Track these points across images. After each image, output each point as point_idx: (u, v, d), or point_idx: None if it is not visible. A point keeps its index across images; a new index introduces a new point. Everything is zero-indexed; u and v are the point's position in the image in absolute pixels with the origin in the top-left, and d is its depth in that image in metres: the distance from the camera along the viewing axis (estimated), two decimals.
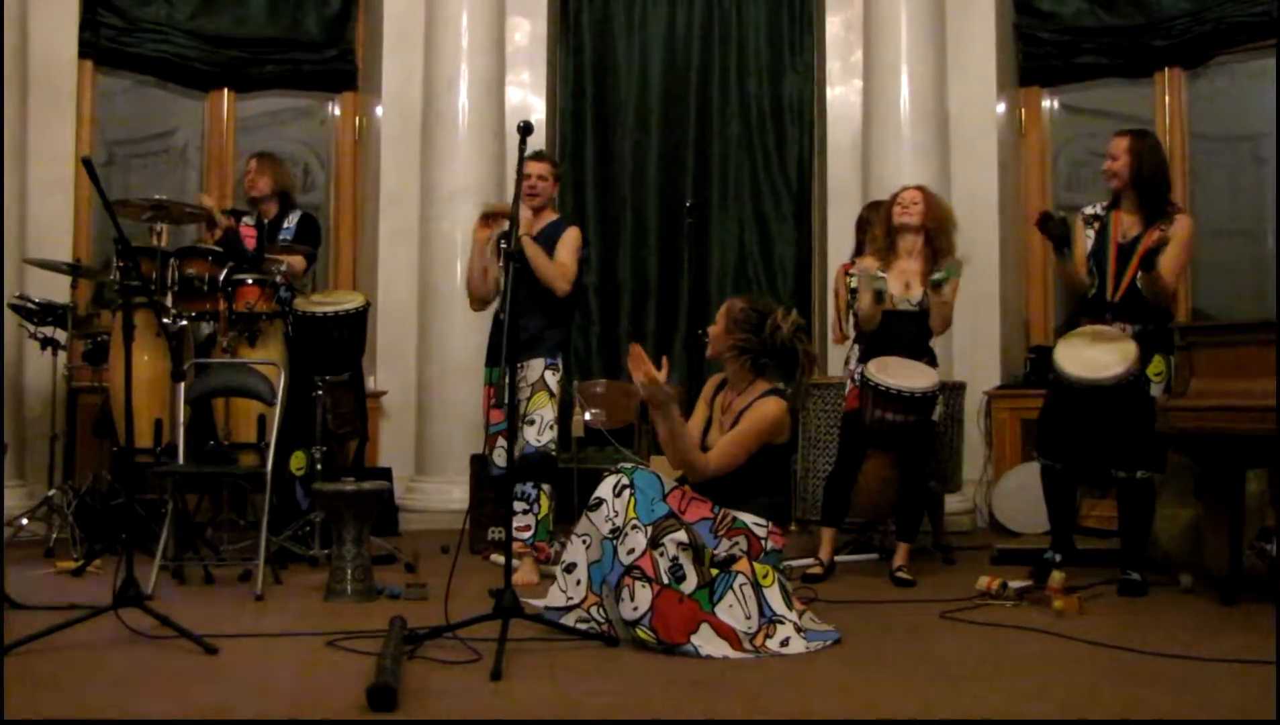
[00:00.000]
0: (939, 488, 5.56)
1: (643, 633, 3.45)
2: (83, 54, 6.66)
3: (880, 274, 4.94)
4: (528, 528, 4.77)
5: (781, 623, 3.55)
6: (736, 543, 3.69)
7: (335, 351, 5.29)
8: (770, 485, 3.83)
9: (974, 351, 6.79)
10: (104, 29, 6.72)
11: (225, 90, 7.22)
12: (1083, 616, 4.02)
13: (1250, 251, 6.67)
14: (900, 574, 4.80)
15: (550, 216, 5.07)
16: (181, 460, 4.78)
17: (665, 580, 3.47)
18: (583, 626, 3.64)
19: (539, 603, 3.86)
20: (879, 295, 4.91)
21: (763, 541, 3.72)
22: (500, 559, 4.22)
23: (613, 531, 3.60)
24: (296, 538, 5.13)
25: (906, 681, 3.18)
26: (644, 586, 3.47)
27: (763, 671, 3.27)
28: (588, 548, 3.70)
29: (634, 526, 3.55)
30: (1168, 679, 3.20)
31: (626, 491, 3.63)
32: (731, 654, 3.42)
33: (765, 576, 3.62)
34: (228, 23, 7.10)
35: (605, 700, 2.96)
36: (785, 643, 3.50)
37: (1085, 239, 4.82)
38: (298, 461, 5.29)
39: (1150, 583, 4.56)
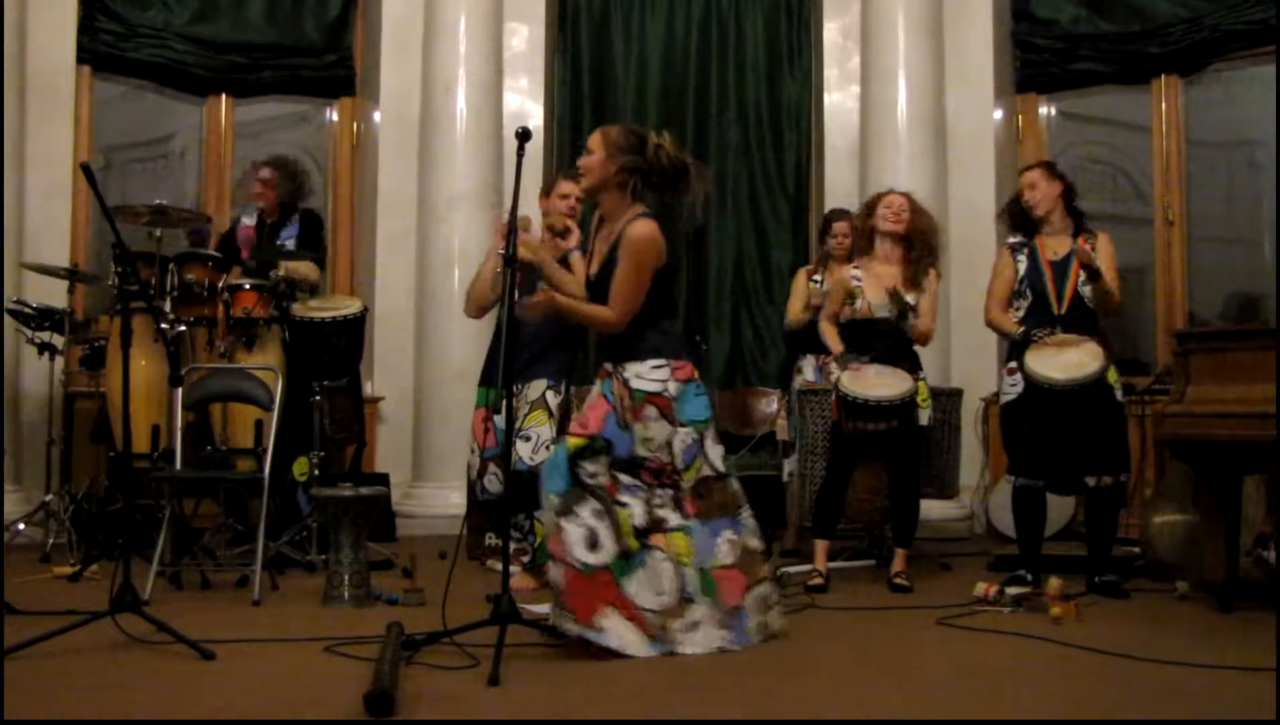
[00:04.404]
0: (935, 493, 5.57)
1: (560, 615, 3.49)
2: (81, 59, 6.67)
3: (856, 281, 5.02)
4: (524, 552, 4.75)
5: (694, 603, 3.55)
6: (646, 418, 3.64)
7: (333, 357, 5.28)
8: (659, 317, 3.76)
9: (971, 358, 6.79)
10: (102, 34, 6.73)
11: (223, 95, 7.22)
12: (1080, 623, 4.02)
13: (1246, 258, 6.69)
14: (898, 580, 4.80)
15: (576, 240, 4.91)
16: (179, 465, 4.78)
17: (570, 559, 3.48)
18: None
19: (537, 608, 3.86)
20: (850, 297, 5.01)
21: (664, 391, 3.67)
22: (498, 565, 4.21)
23: None
24: (294, 543, 5.13)
25: (905, 688, 3.18)
26: (557, 568, 3.51)
27: (763, 678, 3.27)
28: None
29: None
30: (1164, 685, 3.20)
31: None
32: (631, 650, 3.42)
33: (682, 555, 3.60)
34: (226, 28, 7.10)
35: (604, 706, 2.95)
36: (695, 625, 3.51)
37: (1018, 266, 4.93)
38: (300, 467, 5.28)
39: (1147, 589, 4.59)
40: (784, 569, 5.04)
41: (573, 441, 3.62)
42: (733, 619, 3.62)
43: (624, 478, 3.63)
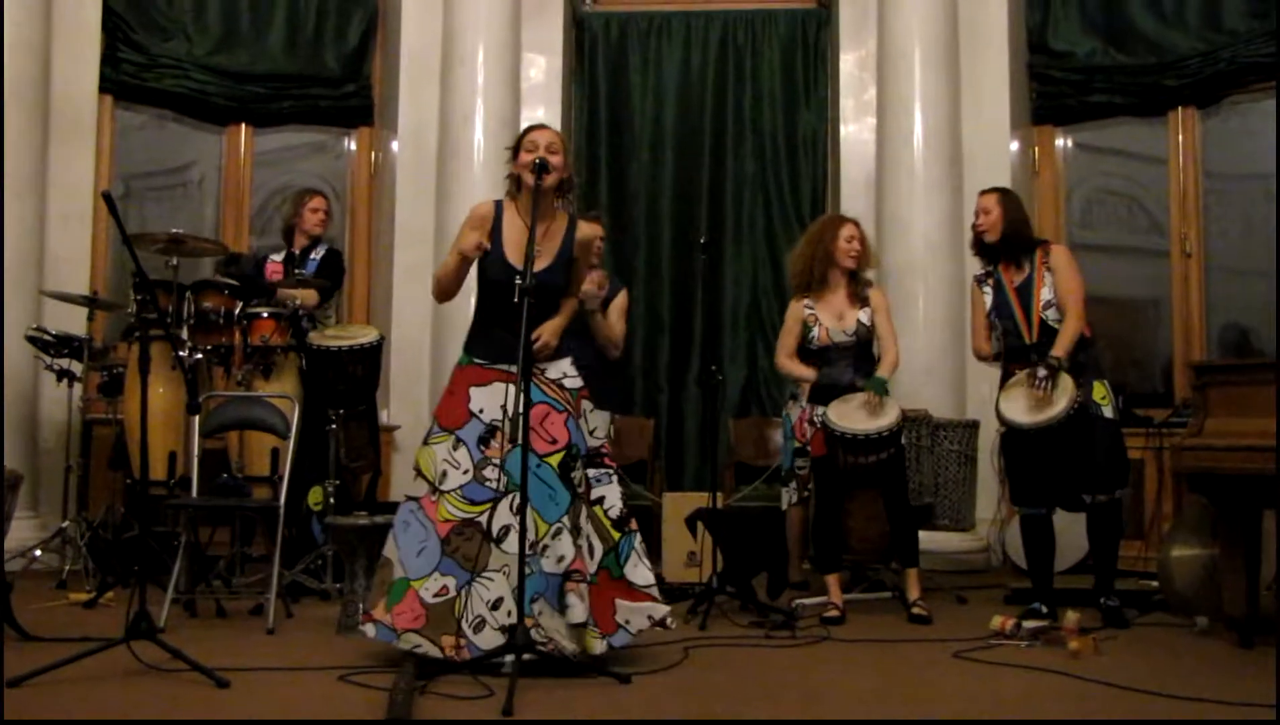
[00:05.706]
0: (952, 526, 5.55)
1: (590, 634, 3.56)
2: (103, 89, 6.75)
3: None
4: None
5: None
6: (585, 411, 3.92)
7: (349, 385, 5.29)
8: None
9: (988, 389, 6.73)
10: (124, 64, 6.81)
11: (243, 125, 7.29)
12: (1098, 657, 3.99)
13: (1264, 290, 6.65)
14: (916, 610, 4.76)
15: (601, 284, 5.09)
16: (195, 493, 4.78)
17: (586, 574, 3.63)
18: (525, 657, 3.49)
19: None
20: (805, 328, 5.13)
21: (583, 383, 3.93)
22: None
23: (531, 547, 3.58)
24: (309, 571, 5.12)
25: (921, 720, 3.15)
26: (585, 586, 3.60)
27: (779, 708, 3.25)
28: (508, 578, 3.60)
29: (554, 534, 3.58)
30: (1182, 721, 3.17)
31: (526, 508, 3.52)
32: (653, 613, 3.70)
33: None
34: (246, 59, 7.18)
35: None
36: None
37: (985, 296, 4.97)
38: (315, 497, 5.28)
39: (1166, 624, 4.56)
40: (798, 601, 5.01)
41: (554, 458, 3.68)
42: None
43: (592, 472, 3.81)
